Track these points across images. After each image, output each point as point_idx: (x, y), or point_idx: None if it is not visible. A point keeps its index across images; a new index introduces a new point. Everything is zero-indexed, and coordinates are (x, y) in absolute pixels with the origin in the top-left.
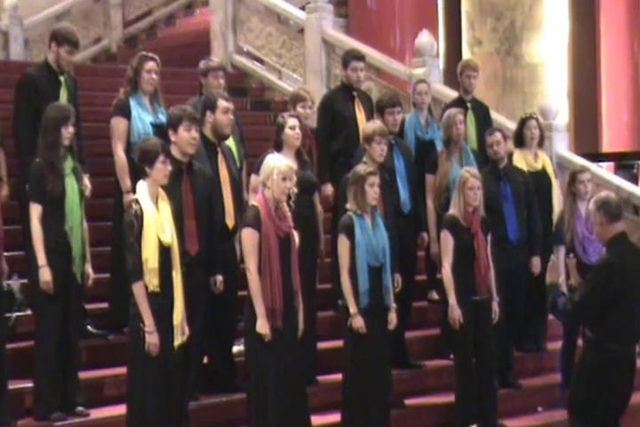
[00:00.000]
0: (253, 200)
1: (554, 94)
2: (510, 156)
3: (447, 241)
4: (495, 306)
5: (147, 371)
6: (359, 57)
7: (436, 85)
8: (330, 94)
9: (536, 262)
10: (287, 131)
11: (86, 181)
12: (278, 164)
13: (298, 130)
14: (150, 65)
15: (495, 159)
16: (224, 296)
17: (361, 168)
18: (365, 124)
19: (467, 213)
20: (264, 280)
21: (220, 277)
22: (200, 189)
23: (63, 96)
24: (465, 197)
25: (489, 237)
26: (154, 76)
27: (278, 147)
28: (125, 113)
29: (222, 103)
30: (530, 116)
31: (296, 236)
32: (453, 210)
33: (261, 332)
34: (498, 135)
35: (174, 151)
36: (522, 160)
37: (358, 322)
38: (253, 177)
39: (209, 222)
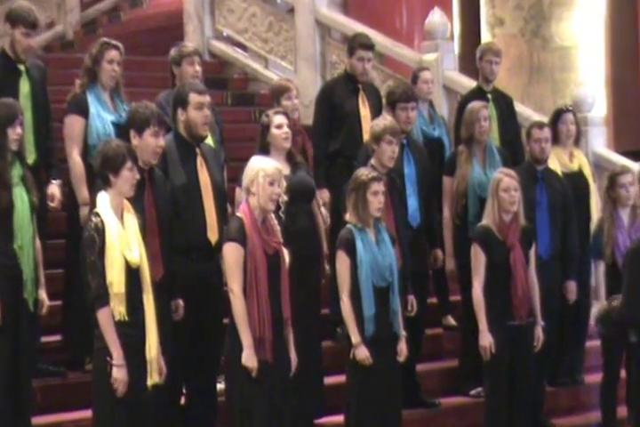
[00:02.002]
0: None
1: (589, 82)
2: None
3: (478, 257)
4: (539, 331)
5: (115, 415)
6: (368, 46)
7: (451, 73)
8: (330, 84)
9: (571, 288)
10: (273, 131)
11: (55, 189)
12: (264, 165)
13: (286, 128)
14: (112, 54)
15: (539, 159)
16: (206, 324)
17: (363, 173)
18: (374, 121)
19: (502, 222)
20: (250, 304)
21: (180, 302)
22: (162, 201)
23: (24, 88)
24: (500, 202)
25: (531, 252)
26: (116, 67)
27: (265, 150)
28: (82, 110)
29: (195, 97)
30: (566, 108)
31: (286, 253)
32: (486, 220)
33: (248, 365)
34: (547, 131)
35: None
36: (555, 160)
37: (362, 353)
38: (238, 191)
39: (169, 241)
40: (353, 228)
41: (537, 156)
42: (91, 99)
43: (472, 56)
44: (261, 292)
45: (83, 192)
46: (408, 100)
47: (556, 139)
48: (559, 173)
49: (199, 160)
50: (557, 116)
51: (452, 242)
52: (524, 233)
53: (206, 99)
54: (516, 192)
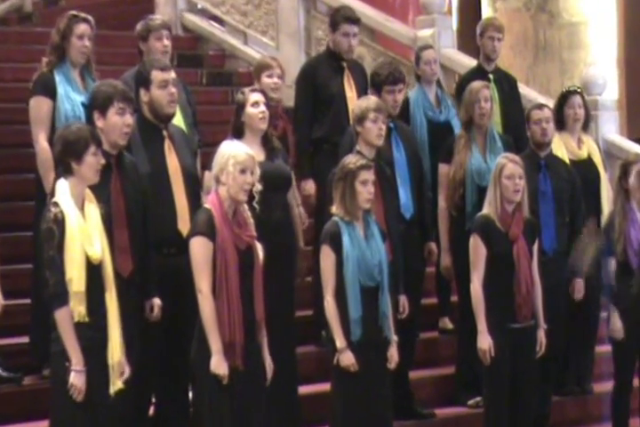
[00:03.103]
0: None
1: (600, 62)
2: None
3: (478, 250)
4: (541, 335)
5: (75, 425)
6: (353, 19)
7: (448, 51)
8: (312, 63)
9: (579, 286)
10: (249, 110)
11: None
12: (235, 152)
13: (263, 107)
14: (82, 28)
15: (541, 142)
16: (177, 326)
17: (350, 160)
18: (355, 102)
19: (504, 212)
20: (220, 305)
21: (157, 301)
22: (132, 189)
23: None
24: (502, 190)
25: (534, 247)
26: (87, 42)
27: (238, 132)
28: (49, 91)
29: (157, 75)
30: (573, 90)
31: (260, 249)
32: (487, 209)
33: (217, 372)
34: (547, 111)
35: None
36: (562, 147)
37: (348, 359)
38: (207, 174)
39: (142, 233)
40: (339, 220)
41: (538, 139)
42: (59, 78)
43: (472, 32)
44: (232, 291)
45: (50, 181)
46: (395, 82)
47: (562, 124)
48: (566, 160)
49: (167, 144)
50: (564, 98)
51: (447, 235)
52: (528, 226)
53: (170, 75)
54: (521, 180)
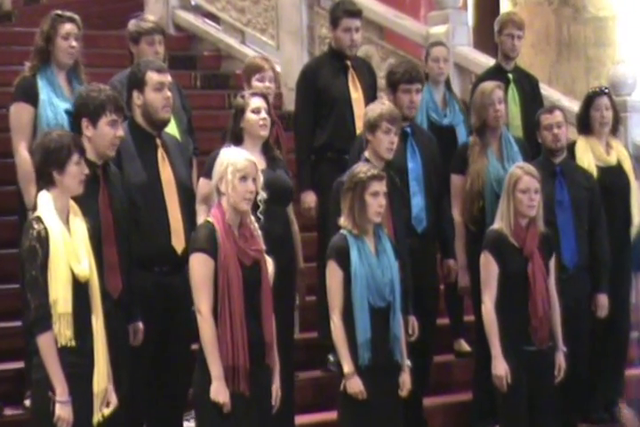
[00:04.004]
0: (204, 214)
1: (629, 60)
2: (571, 146)
3: (489, 268)
4: (561, 358)
5: None
6: (353, 12)
7: (463, 49)
8: (313, 64)
9: (602, 302)
10: (249, 116)
11: None
12: (233, 158)
13: (264, 114)
14: (68, 28)
15: (553, 149)
16: (171, 351)
17: (361, 169)
18: (368, 107)
19: (518, 226)
20: (222, 327)
21: (140, 326)
22: (119, 201)
23: None
24: (516, 204)
25: (551, 263)
26: (73, 43)
27: (237, 139)
28: (31, 97)
29: (153, 77)
30: (600, 91)
31: (270, 263)
32: (499, 223)
33: (217, 400)
34: (558, 114)
35: (87, 149)
36: (588, 152)
37: (356, 385)
38: (202, 182)
39: (128, 250)
40: (348, 234)
41: (550, 145)
42: (42, 83)
43: (489, 29)
44: (235, 312)
45: (31, 194)
46: (411, 80)
47: (588, 128)
48: (593, 168)
49: (160, 153)
50: (590, 100)
51: (464, 252)
52: (544, 240)
53: (167, 78)
54: (537, 194)
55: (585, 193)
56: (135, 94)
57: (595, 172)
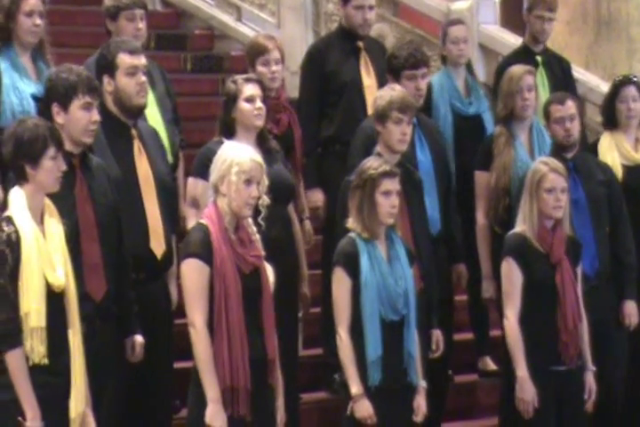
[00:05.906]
0: (194, 219)
1: None
2: (595, 142)
3: (512, 276)
4: (590, 379)
5: None
6: None
7: (489, 28)
8: (320, 45)
9: (630, 309)
10: (242, 105)
11: None
12: (239, 157)
13: (259, 103)
14: (31, 3)
15: (565, 144)
16: (151, 369)
17: (371, 164)
18: (378, 93)
19: (543, 229)
20: (218, 342)
21: (139, 339)
22: (102, 195)
23: None
24: (540, 205)
25: (578, 270)
26: (37, 20)
27: (228, 129)
28: None
29: (125, 59)
30: (628, 79)
31: (270, 271)
32: (521, 226)
33: (212, 425)
34: (571, 105)
35: None
36: (613, 150)
37: (364, 409)
38: (192, 182)
39: (118, 249)
40: (357, 238)
41: (561, 141)
42: (4, 65)
43: (519, 4)
44: (234, 325)
45: None
46: (416, 65)
47: (614, 121)
48: (618, 166)
49: (136, 145)
50: (615, 89)
51: (489, 259)
52: (570, 245)
53: (140, 61)
54: (564, 194)
55: (603, 189)
56: (106, 80)
57: (620, 171)
